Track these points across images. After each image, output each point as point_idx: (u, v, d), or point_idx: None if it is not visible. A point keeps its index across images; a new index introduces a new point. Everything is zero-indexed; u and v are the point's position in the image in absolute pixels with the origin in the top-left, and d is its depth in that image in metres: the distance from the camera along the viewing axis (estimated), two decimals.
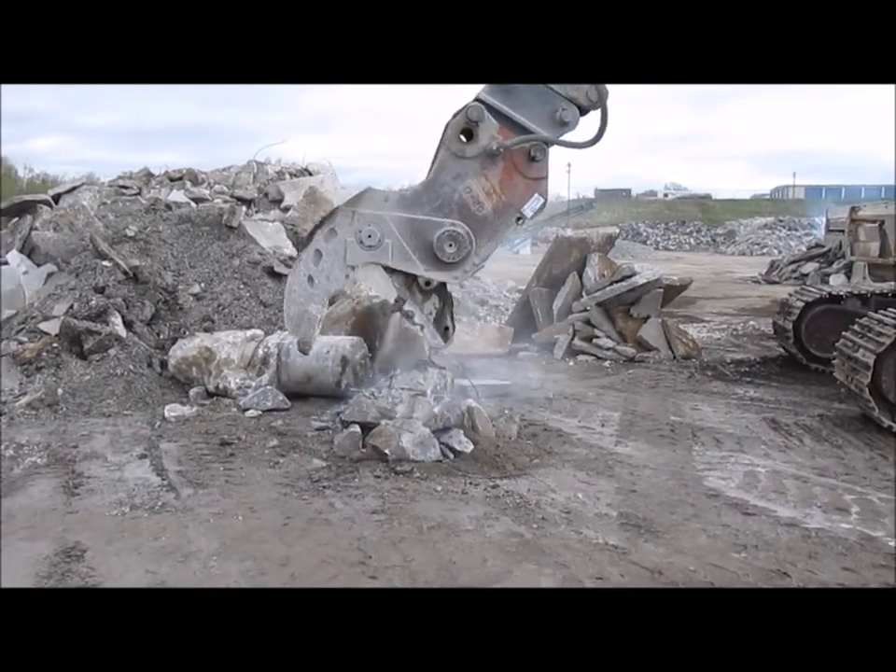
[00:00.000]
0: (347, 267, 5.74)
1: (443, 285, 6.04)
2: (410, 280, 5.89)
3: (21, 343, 7.28)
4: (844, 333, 6.75)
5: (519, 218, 5.82)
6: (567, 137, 5.77)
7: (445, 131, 5.69)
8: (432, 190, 5.73)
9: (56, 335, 7.27)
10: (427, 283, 5.91)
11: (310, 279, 5.74)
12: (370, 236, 5.67)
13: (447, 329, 6.13)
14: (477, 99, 5.60)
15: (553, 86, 5.54)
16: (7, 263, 9.02)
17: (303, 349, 5.89)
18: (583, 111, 5.65)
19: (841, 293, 8.84)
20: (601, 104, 5.58)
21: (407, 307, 5.90)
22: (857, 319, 6.79)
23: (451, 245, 5.68)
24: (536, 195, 5.76)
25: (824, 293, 8.94)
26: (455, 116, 5.67)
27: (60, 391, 6.71)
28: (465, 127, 5.63)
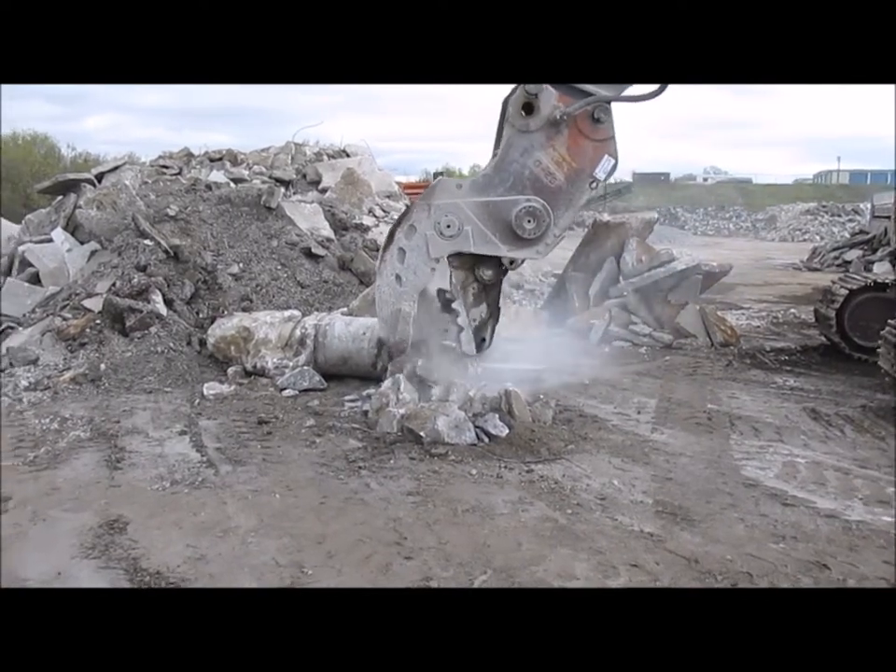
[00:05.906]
0: (432, 260, 5.81)
1: (497, 299, 6.09)
2: (468, 280, 5.93)
3: (65, 319, 7.44)
4: (889, 321, 6.61)
5: (592, 182, 5.76)
6: (628, 92, 5.66)
7: (505, 108, 5.66)
8: (502, 170, 5.73)
9: (99, 312, 7.42)
10: (484, 287, 5.95)
11: (397, 278, 5.82)
12: (448, 226, 5.72)
13: (484, 340, 6.15)
14: None
15: None
16: (51, 240, 9.22)
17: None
18: None
19: (887, 281, 8.64)
20: None
21: (455, 306, 5.91)
22: None
23: (529, 221, 5.67)
24: (605, 156, 5.69)
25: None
26: (512, 92, 5.64)
27: (102, 367, 6.86)
28: (525, 101, 5.59)
